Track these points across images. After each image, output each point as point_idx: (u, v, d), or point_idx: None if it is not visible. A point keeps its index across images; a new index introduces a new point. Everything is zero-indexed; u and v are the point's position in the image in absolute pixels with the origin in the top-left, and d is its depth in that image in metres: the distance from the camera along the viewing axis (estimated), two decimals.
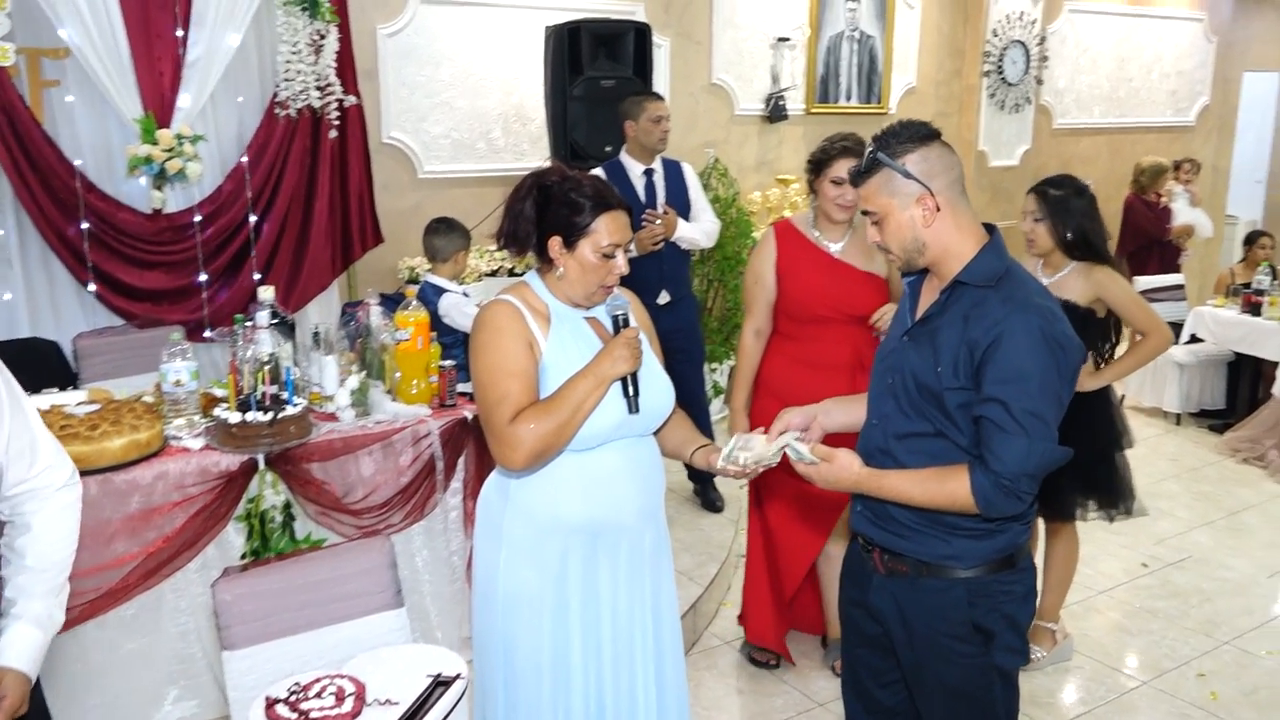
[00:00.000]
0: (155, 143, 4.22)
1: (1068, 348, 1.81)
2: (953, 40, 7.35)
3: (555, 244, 2.16)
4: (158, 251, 4.41)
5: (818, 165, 3.15)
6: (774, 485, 3.30)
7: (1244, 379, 6.33)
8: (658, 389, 2.24)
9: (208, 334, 4.04)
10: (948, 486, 1.84)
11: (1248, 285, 6.31)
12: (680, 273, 4.45)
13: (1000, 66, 7.31)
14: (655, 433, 2.30)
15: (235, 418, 2.81)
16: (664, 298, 4.30)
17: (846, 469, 1.93)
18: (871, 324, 3.14)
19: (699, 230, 4.38)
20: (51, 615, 1.86)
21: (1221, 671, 3.53)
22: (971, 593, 1.92)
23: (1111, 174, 8.19)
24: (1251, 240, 6.82)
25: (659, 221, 4.19)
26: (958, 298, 1.88)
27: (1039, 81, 7.62)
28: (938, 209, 1.87)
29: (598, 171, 4.26)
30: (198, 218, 4.44)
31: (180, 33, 4.28)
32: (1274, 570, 4.38)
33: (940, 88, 7.38)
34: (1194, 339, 6.39)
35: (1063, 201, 3.25)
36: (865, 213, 1.94)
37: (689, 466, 2.32)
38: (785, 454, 2.04)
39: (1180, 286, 6.76)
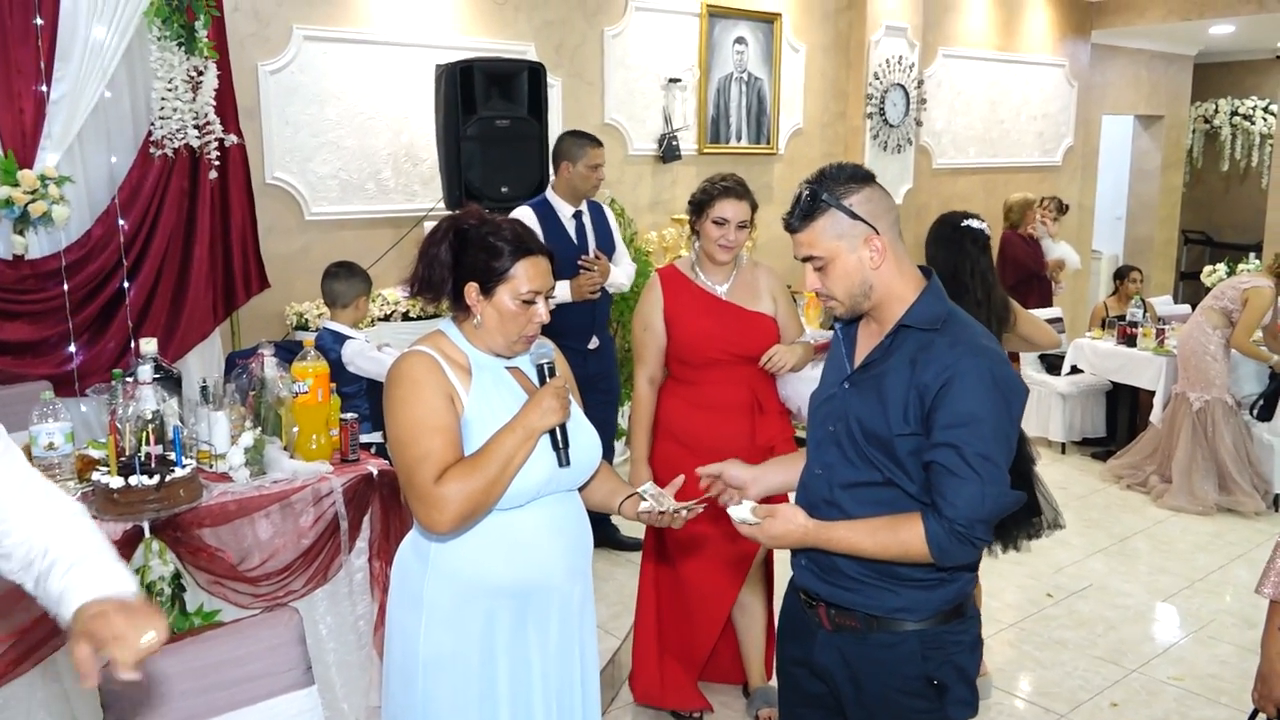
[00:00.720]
0: (16, 184, 3.91)
1: (1016, 390, 1.79)
2: (836, 83, 7.52)
3: (472, 291, 2.04)
4: (19, 301, 4.08)
5: (699, 206, 3.13)
6: (680, 537, 3.22)
7: (1122, 407, 6.59)
8: (586, 441, 2.14)
9: (87, 391, 3.74)
10: (900, 536, 1.78)
11: (1122, 317, 6.59)
12: (607, 316, 4.43)
13: (882, 109, 7.50)
14: (581, 487, 2.20)
15: (117, 482, 2.57)
16: (594, 342, 4.24)
17: (792, 523, 1.86)
18: (761, 364, 3.11)
19: (624, 274, 4.37)
20: (115, 568, 1.53)
21: (1133, 700, 3.59)
22: (924, 645, 1.86)
23: (986, 212, 8.33)
24: (1122, 275, 7.14)
25: (596, 268, 4.13)
26: (902, 342, 1.83)
27: (918, 123, 7.85)
28: (884, 250, 1.83)
29: (524, 210, 4.17)
30: (64, 264, 4.14)
31: (43, 66, 4.01)
32: (1166, 594, 4.52)
33: (826, 129, 7.53)
34: (1074, 370, 6.62)
35: (930, 234, 3.36)
36: (808, 259, 1.87)
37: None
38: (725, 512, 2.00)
39: (1059, 319, 7.01)
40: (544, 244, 2.09)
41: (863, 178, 1.85)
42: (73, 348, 4.19)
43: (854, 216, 1.81)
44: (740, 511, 1.91)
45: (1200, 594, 4.52)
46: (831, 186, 1.83)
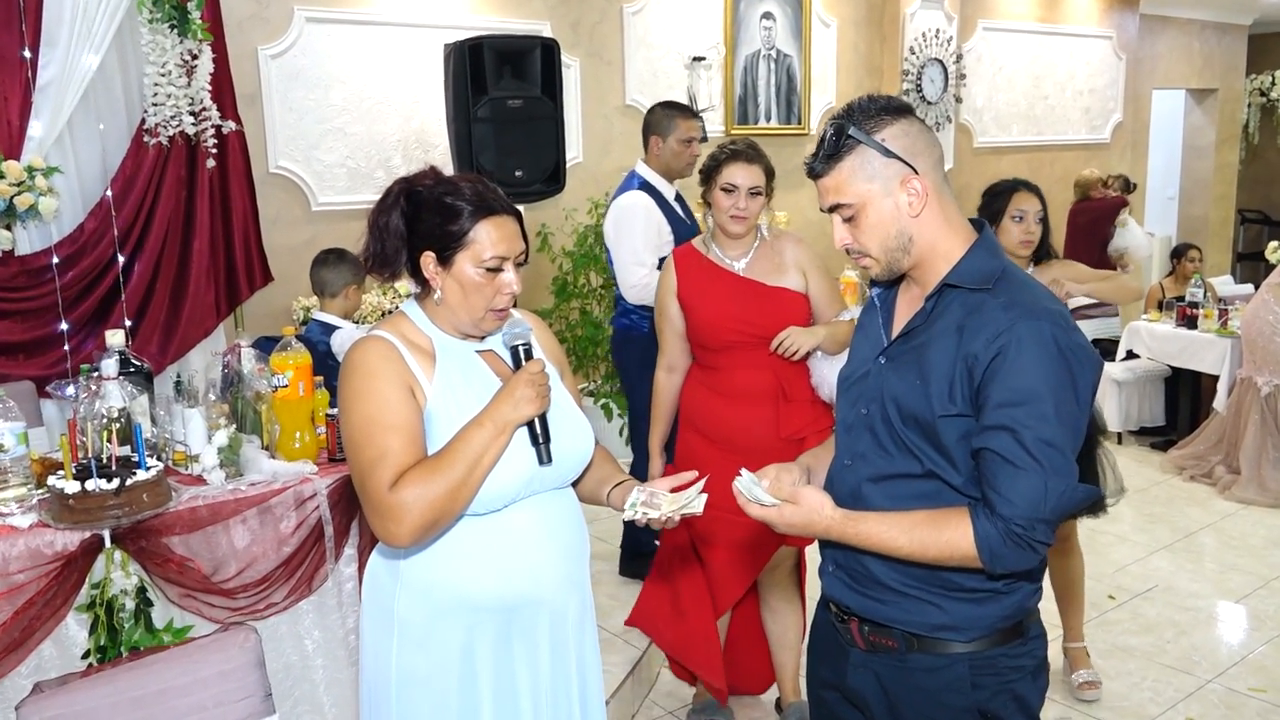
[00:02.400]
0: (2, 176, 3.72)
1: (1086, 361, 1.47)
2: (870, 59, 7.19)
3: (429, 261, 1.77)
4: (9, 299, 3.89)
5: (707, 174, 2.87)
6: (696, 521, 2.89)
7: (1183, 394, 6.19)
8: (573, 432, 1.86)
9: (45, 388, 3.53)
10: (945, 534, 1.48)
11: (1180, 298, 6.19)
12: None
13: (919, 85, 7.16)
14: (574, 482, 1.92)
15: (73, 487, 2.33)
16: None
17: (815, 511, 1.54)
18: (772, 349, 2.79)
19: None
20: None
21: (1210, 714, 3.24)
22: (975, 670, 1.56)
23: None
24: (1179, 254, 6.73)
25: None
26: (947, 304, 1.53)
27: (958, 100, 7.50)
28: (924, 194, 1.53)
29: (635, 195, 3.92)
30: (56, 260, 3.94)
31: (28, 54, 3.81)
32: (1239, 595, 4.15)
33: None
34: (1130, 355, 6.24)
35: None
36: (834, 208, 1.57)
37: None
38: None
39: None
40: (511, 203, 1.81)
41: (897, 109, 1.54)
42: (66, 347, 4.00)
43: (888, 154, 1.51)
44: (749, 488, 1.56)
45: (1277, 594, 4.15)
46: (860, 120, 1.53)
